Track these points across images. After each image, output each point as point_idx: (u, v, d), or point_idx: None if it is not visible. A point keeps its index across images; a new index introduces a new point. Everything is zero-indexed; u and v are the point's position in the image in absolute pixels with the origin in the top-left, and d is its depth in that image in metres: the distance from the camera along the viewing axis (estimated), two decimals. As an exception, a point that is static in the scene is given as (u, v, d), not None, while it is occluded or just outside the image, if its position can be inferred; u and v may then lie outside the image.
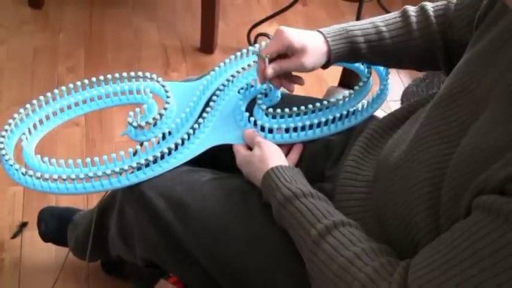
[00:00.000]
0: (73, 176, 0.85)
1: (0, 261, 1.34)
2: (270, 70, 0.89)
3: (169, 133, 0.91)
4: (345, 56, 0.91)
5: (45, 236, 1.28)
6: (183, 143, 0.90)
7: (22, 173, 0.86)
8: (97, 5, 2.04)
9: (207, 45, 1.88)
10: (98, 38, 1.93)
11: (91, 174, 0.85)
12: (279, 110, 0.92)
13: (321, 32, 0.90)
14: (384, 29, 0.90)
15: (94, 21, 1.99)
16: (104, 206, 1.01)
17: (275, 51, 0.88)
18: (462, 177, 0.60)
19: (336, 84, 1.47)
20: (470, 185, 0.58)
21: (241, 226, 0.83)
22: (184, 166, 0.90)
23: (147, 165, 0.87)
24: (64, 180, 0.85)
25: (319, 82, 1.77)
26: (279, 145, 0.90)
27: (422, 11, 0.90)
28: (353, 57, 0.92)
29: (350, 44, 0.89)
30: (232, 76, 1.00)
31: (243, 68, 1.01)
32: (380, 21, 0.91)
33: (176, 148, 0.89)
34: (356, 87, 0.97)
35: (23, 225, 1.40)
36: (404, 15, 0.90)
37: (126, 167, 0.86)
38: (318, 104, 0.93)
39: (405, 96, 1.39)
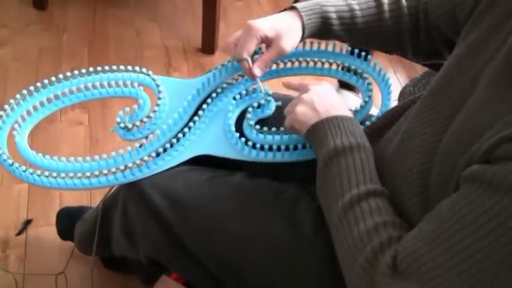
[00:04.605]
0: (63, 174, 0.87)
1: (5, 258, 1.36)
2: (257, 70, 0.90)
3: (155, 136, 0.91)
4: (317, 31, 0.91)
5: (63, 235, 1.33)
6: (165, 150, 0.89)
7: (9, 164, 0.88)
8: (100, 6, 2.06)
9: (208, 45, 1.89)
10: (101, 38, 1.95)
11: (79, 174, 0.87)
12: (265, 128, 0.90)
13: (294, 8, 0.90)
14: (357, 7, 0.91)
15: (97, 21, 2.01)
16: (107, 206, 1.02)
17: (252, 48, 0.89)
18: (450, 160, 0.61)
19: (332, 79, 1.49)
20: (458, 165, 0.59)
21: (240, 224, 0.83)
22: (184, 165, 0.90)
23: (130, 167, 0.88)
24: (55, 177, 0.87)
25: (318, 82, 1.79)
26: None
27: None
28: (325, 32, 0.92)
29: (323, 19, 0.90)
30: (233, 79, 0.98)
31: (241, 75, 0.98)
32: (353, 0, 0.92)
33: (165, 150, 0.89)
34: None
35: (28, 222, 1.42)
36: None
37: (113, 169, 0.87)
38: None
39: (402, 96, 1.41)
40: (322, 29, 0.91)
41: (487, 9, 0.70)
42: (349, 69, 1.00)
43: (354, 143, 0.73)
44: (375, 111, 0.98)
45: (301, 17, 0.89)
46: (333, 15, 0.90)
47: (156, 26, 2.01)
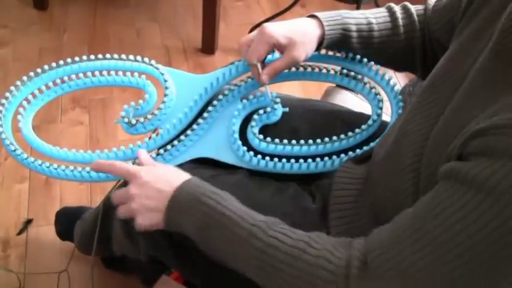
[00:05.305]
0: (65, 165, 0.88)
1: (6, 257, 1.36)
2: (265, 77, 0.88)
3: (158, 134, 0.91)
4: (336, 42, 0.90)
5: (62, 235, 1.34)
6: (166, 150, 0.89)
7: (12, 150, 0.89)
8: (100, 6, 2.07)
9: (208, 45, 1.90)
10: (102, 38, 1.96)
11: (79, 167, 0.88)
12: (269, 138, 0.89)
13: (315, 16, 0.89)
14: (374, 21, 0.90)
15: (98, 21, 2.02)
16: (108, 204, 1.01)
17: (263, 54, 0.87)
18: (435, 157, 0.62)
19: (334, 84, 1.49)
20: (442, 159, 0.60)
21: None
22: (187, 164, 0.91)
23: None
24: (55, 168, 0.88)
25: (318, 82, 1.79)
26: None
27: (406, 9, 0.92)
28: (342, 44, 0.91)
29: (344, 31, 0.89)
30: (242, 81, 0.96)
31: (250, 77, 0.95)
32: (370, 14, 0.92)
33: (166, 150, 0.89)
34: (357, 130, 0.90)
35: (28, 222, 1.43)
36: (391, 11, 0.92)
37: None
38: (310, 141, 0.89)
39: (402, 96, 1.41)
40: (341, 40, 0.90)
41: (480, 7, 0.71)
42: (353, 76, 0.97)
43: (212, 205, 0.70)
44: (386, 117, 0.97)
45: (322, 27, 0.88)
46: (353, 28, 0.89)
47: (156, 26, 2.01)
